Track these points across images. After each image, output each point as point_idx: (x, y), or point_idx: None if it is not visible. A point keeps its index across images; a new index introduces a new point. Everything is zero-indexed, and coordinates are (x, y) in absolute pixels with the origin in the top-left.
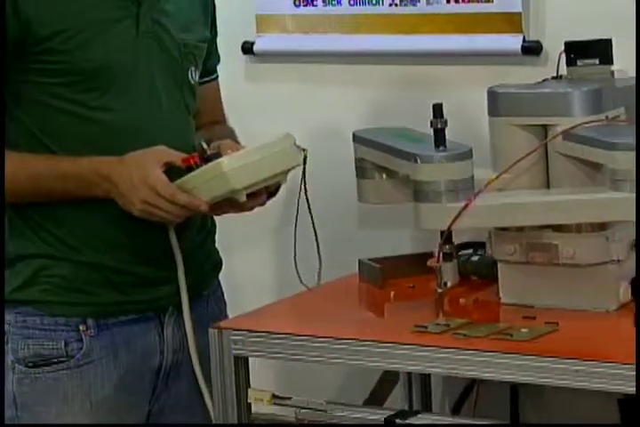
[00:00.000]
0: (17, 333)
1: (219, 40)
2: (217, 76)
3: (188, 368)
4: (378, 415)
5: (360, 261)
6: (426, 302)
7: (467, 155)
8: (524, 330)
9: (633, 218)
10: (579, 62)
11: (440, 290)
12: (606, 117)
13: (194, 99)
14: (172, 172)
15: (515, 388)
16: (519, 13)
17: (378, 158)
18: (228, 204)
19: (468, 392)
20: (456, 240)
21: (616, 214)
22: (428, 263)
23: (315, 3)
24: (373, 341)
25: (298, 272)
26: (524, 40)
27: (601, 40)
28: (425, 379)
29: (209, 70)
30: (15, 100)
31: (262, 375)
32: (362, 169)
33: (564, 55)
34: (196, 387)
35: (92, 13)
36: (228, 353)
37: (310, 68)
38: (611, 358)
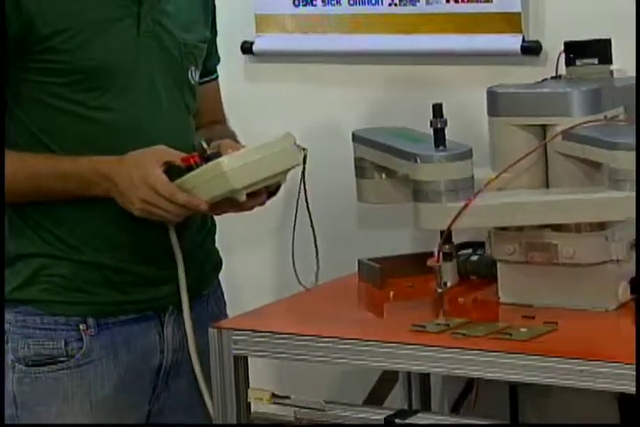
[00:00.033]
0: (17, 332)
1: (218, 40)
2: (217, 77)
3: (188, 368)
4: (377, 415)
5: (359, 261)
6: (425, 302)
7: (466, 154)
8: (523, 329)
9: (633, 217)
10: (578, 62)
11: (440, 290)
12: (605, 117)
13: (194, 99)
14: (172, 171)
15: (514, 387)
16: (518, 13)
17: (377, 158)
18: (228, 203)
19: (467, 392)
20: (455, 240)
21: (615, 214)
22: (428, 263)
23: (314, 2)
24: (377, 341)
25: (296, 272)
26: (523, 40)
27: (600, 40)
28: (424, 378)
29: (209, 70)
30: (15, 99)
31: (262, 375)
32: (361, 169)
33: (563, 55)
34: (195, 386)
35: (93, 13)
36: (227, 353)
37: (309, 67)
38: (612, 358)
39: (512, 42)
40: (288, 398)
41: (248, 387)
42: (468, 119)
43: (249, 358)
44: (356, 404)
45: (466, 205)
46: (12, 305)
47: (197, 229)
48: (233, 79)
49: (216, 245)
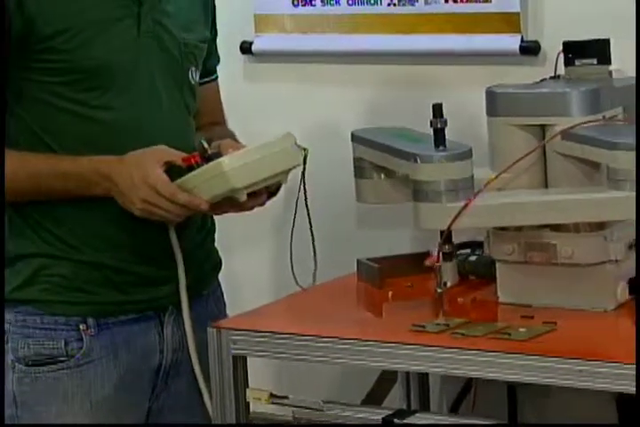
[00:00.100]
0: (17, 332)
1: (217, 40)
2: (217, 77)
3: (188, 367)
4: (376, 415)
5: (358, 261)
6: (424, 302)
7: (466, 154)
8: (522, 329)
9: (632, 217)
10: (577, 62)
11: (440, 290)
12: (604, 117)
13: (194, 99)
14: (173, 171)
15: (512, 387)
16: (517, 13)
17: (376, 158)
18: (229, 203)
19: (465, 392)
20: (454, 240)
21: (615, 214)
22: (427, 263)
23: (313, 2)
24: (376, 341)
25: (293, 272)
26: (522, 40)
27: (599, 40)
28: (423, 378)
29: (209, 71)
30: (16, 97)
31: (260, 375)
32: (360, 169)
33: (562, 55)
34: (195, 386)
35: (93, 13)
36: (226, 353)
37: (309, 67)
38: (611, 358)
39: (511, 42)
40: (286, 398)
41: (247, 387)
42: (467, 119)
43: (248, 358)
44: (355, 404)
45: (466, 205)
46: (12, 305)
47: (197, 229)
48: (232, 79)
49: (216, 245)
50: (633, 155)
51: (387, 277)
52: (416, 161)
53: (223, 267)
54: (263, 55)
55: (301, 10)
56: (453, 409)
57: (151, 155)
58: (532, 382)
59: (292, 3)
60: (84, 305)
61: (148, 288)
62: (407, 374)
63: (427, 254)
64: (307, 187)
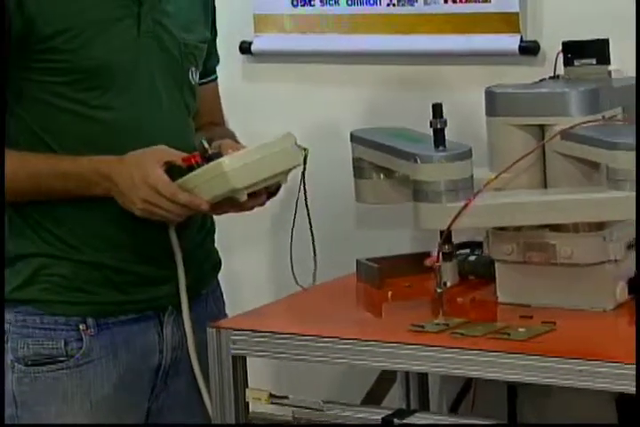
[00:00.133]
0: (17, 332)
1: (217, 40)
2: (216, 77)
3: (187, 367)
4: (375, 415)
5: (358, 261)
6: (424, 302)
7: (466, 155)
8: (521, 329)
9: (632, 217)
10: (576, 62)
11: (439, 290)
12: (603, 117)
13: (194, 99)
14: (173, 171)
15: (512, 387)
16: (517, 13)
17: (376, 158)
18: (229, 203)
19: (465, 391)
20: (454, 240)
21: (615, 214)
22: (427, 263)
23: (312, 2)
24: (376, 341)
25: (293, 272)
26: (521, 40)
27: (598, 40)
28: (422, 378)
29: (208, 71)
30: (16, 97)
31: (260, 375)
32: (359, 169)
33: (561, 55)
34: (194, 385)
35: (93, 13)
36: (226, 353)
37: (308, 67)
38: (611, 358)
39: (510, 42)
40: (286, 398)
41: (246, 387)
42: (466, 119)
43: (247, 358)
44: (354, 404)
45: (466, 206)
46: (11, 305)
47: (197, 229)
48: (231, 79)
49: (216, 245)
50: (633, 155)
51: (386, 277)
52: (416, 161)
53: (223, 267)
54: (262, 55)
55: (301, 10)
56: (453, 409)
57: (151, 155)
58: (533, 382)
59: (292, 3)
60: (84, 305)
61: (147, 288)
62: (407, 373)
63: (426, 254)
64: (306, 187)
